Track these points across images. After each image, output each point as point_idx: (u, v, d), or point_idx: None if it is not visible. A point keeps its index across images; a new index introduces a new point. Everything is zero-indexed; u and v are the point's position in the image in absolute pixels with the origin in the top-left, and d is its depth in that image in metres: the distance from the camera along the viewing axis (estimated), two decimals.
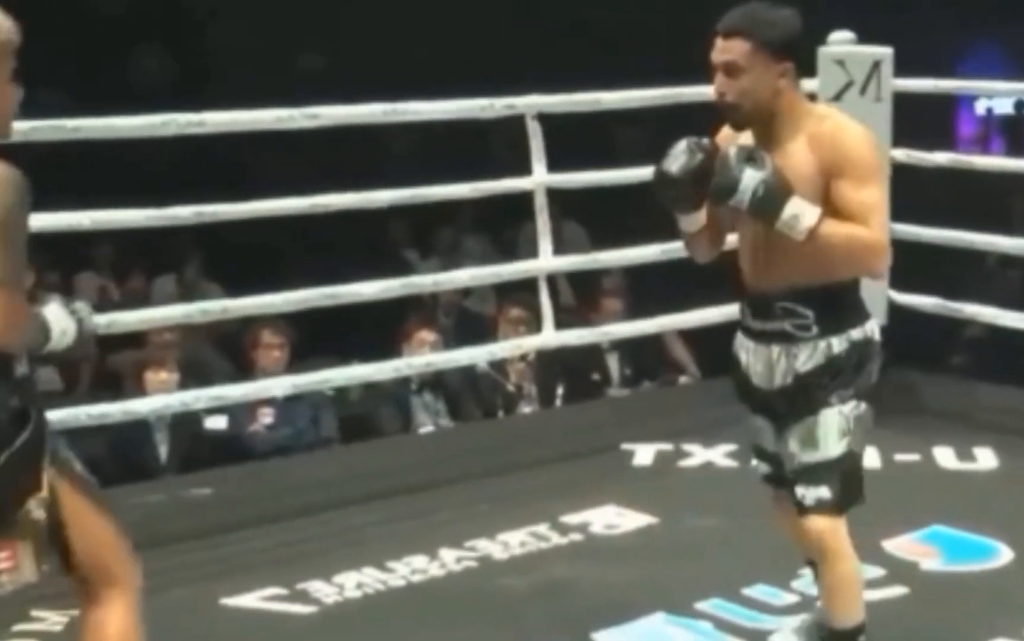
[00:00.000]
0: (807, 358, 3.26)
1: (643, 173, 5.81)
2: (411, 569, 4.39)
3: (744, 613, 3.99)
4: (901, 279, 6.10)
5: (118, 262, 8.67)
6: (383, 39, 10.56)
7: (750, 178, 3.12)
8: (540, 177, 5.50)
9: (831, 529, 3.27)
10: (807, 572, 4.20)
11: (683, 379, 7.19)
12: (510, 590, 4.22)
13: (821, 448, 3.25)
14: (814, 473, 3.25)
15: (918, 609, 4.06)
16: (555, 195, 5.63)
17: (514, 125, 5.52)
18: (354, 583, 4.31)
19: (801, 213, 3.13)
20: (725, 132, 3.31)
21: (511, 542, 4.59)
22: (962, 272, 7.19)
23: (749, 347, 3.36)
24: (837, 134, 3.19)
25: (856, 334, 3.28)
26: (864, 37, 6.09)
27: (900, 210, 6.08)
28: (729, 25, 3.18)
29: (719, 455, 5.42)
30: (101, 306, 7.81)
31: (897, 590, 4.16)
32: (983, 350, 7.42)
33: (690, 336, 7.04)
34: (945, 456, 5.40)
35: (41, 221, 4.72)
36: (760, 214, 3.16)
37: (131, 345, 6.16)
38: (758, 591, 4.06)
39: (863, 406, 3.28)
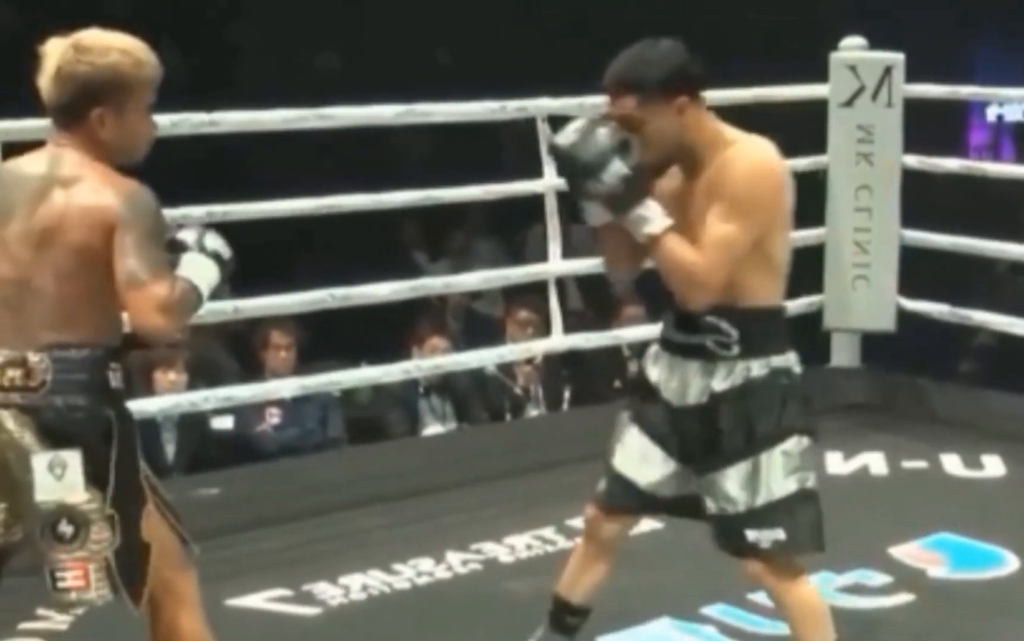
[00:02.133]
0: (724, 377, 3.15)
1: None
2: (417, 572, 4.39)
3: (750, 618, 3.97)
4: (910, 286, 6.10)
5: None
6: (400, 40, 10.55)
7: (616, 171, 3.02)
8: (551, 180, 5.49)
9: (780, 568, 3.18)
10: (810, 578, 4.19)
11: None
12: (516, 594, 4.21)
13: (767, 490, 3.13)
14: (766, 516, 3.13)
15: (924, 616, 4.05)
16: (563, 198, 5.62)
17: (525, 128, 5.52)
18: (359, 585, 4.30)
19: (649, 218, 3.04)
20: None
21: (517, 545, 4.58)
22: (971, 279, 7.16)
23: (665, 360, 3.24)
24: (727, 163, 3.07)
25: (777, 361, 3.16)
26: (876, 43, 6.07)
27: (910, 216, 6.08)
28: (612, 81, 3.09)
29: None
30: None
31: (903, 597, 4.15)
32: (992, 358, 7.39)
33: None
34: (953, 463, 5.38)
35: None
36: (609, 206, 3.06)
37: (140, 344, 6.14)
38: (764, 596, 4.01)
39: (806, 440, 3.17)
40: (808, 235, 6.22)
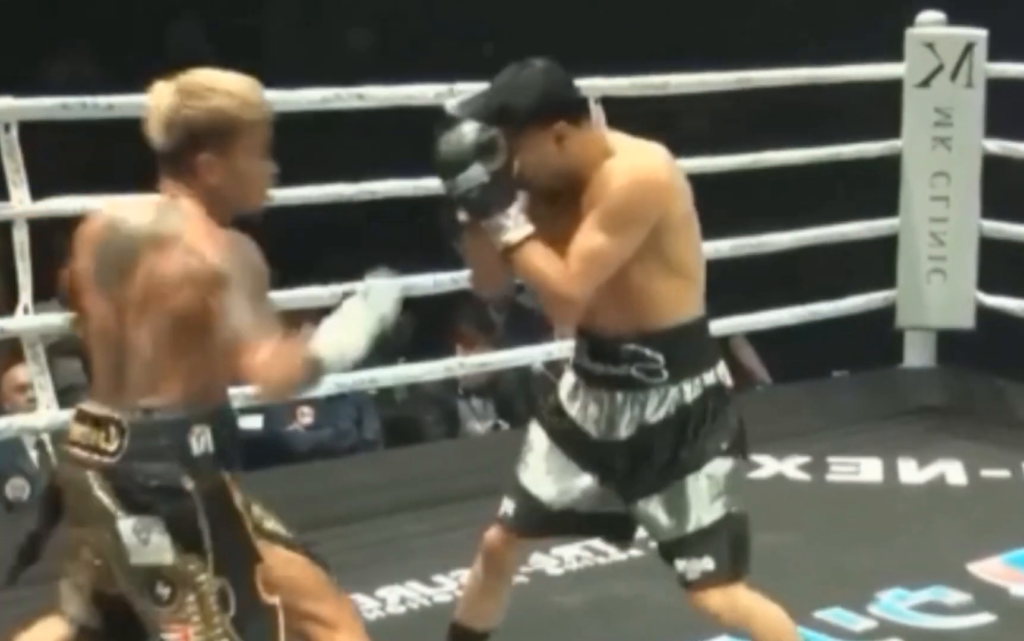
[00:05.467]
0: (656, 406, 3.13)
1: (711, 163, 5.82)
2: (459, 583, 4.37)
3: (817, 638, 3.95)
4: (990, 280, 6.05)
5: None
6: (437, 14, 10.55)
7: (474, 175, 2.99)
8: None
9: (728, 602, 3.16)
10: (882, 596, 4.18)
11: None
12: (565, 608, 4.21)
13: (693, 518, 3.13)
14: (693, 545, 3.13)
15: (1006, 638, 4.02)
16: None
17: None
18: (398, 597, 4.31)
19: (506, 227, 3.01)
20: None
21: (566, 556, 4.57)
22: None
23: (586, 394, 3.22)
24: (604, 175, 3.04)
25: (709, 378, 3.15)
26: (955, 18, 6.03)
27: (990, 206, 6.04)
28: (481, 114, 3.06)
29: (791, 467, 5.38)
30: None
31: (984, 617, 4.13)
32: None
33: (759, 340, 6.99)
34: None
35: (68, 204, 4.76)
36: (465, 209, 3.04)
37: None
38: (832, 614, 4.03)
39: (731, 461, 3.16)
40: (881, 226, 6.20)
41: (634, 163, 3.07)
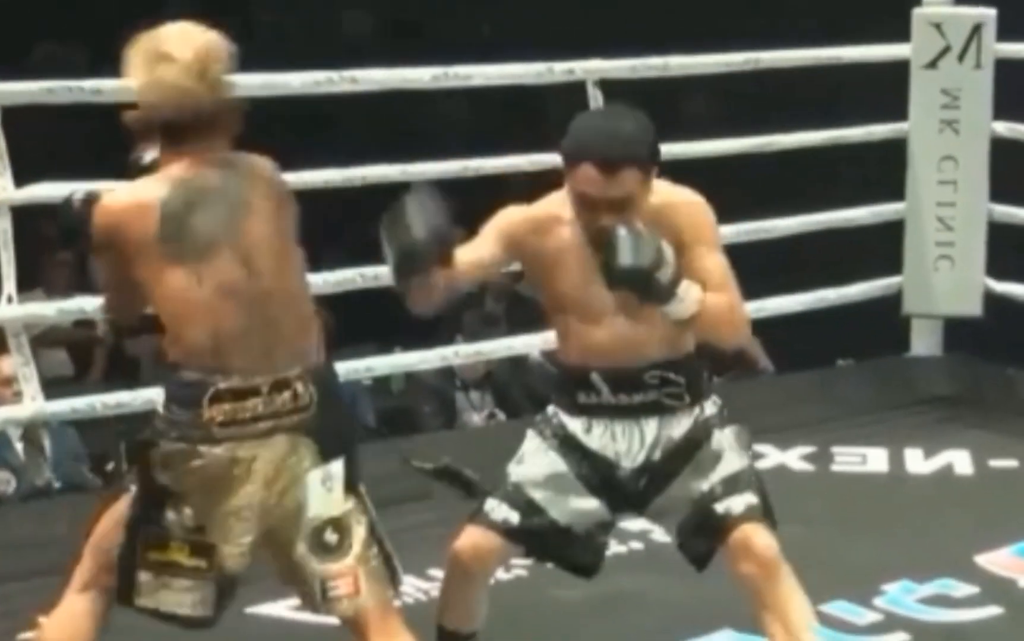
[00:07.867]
0: (678, 426, 3.30)
1: (713, 146, 5.82)
2: None
3: (821, 632, 3.94)
4: (999, 266, 6.05)
5: None
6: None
7: (669, 260, 3.10)
8: None
9: (773, 541, 3.23)
10: (888, 588, 4.18)
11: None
12: (564, 602, 4.19)
13: (729, 462, 3.28)
14: (733, 482, 3.26)
15: (1014, 631, 4.02)
16: None
17: (574, 93, 5.49)
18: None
19: (679, 296, 3.14)
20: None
21: None
22: None
23: (606, 427, 3.31)
24: (679, 205, 3.24)
25: (716, 396, 3.36)
26: None
27: (999, 190, 6.03)
28: (611, 154, 3.14)
29: (794, 458, 5.38)
30: None
31: (991, 610, 4.12)
32: None
33: (762, 327, 6.99)
34: None
35: (57, 190, 4.75)
36: (659, 299, 3.14)
37: (151, 329, 6.17)
38: (837, 608, 4.02)
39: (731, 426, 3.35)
40: (886, 210, 6.20)
41: (688, 193, 3.28)
